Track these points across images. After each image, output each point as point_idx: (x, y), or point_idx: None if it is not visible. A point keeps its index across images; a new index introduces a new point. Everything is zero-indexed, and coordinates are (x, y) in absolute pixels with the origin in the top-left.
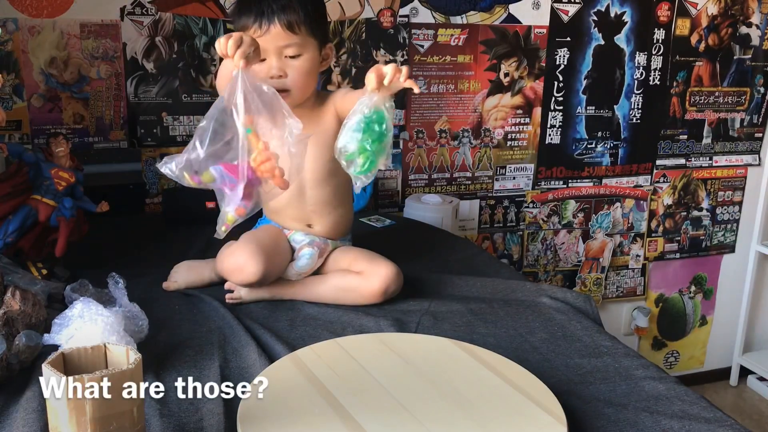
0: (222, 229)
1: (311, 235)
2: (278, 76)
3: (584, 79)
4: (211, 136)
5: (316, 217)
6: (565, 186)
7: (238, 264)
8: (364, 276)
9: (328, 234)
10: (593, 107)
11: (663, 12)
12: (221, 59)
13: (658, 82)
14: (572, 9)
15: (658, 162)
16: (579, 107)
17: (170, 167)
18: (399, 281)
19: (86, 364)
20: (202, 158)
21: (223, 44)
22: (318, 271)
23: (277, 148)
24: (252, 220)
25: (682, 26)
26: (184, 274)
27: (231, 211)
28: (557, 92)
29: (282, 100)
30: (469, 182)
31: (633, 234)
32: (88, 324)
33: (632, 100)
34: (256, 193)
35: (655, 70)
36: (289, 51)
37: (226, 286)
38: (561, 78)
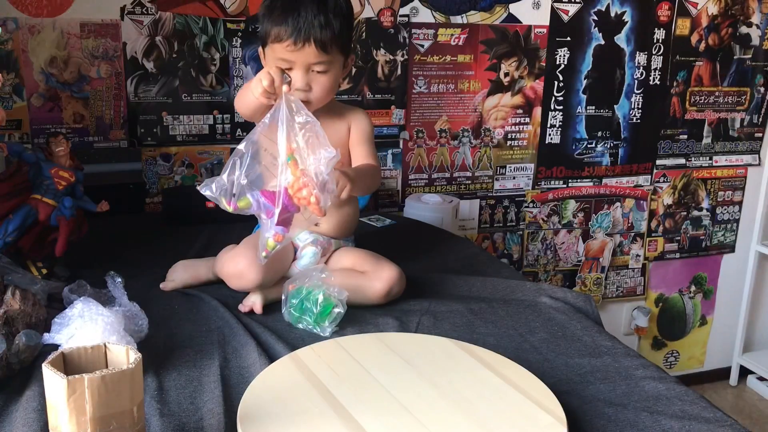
0: (263, 255)
1: (315, 234)
2: (303, 90)
3: (584, 78)
4: (250, 161)
5: (324, 218)
6: (565, 186)
7: (238, 270)
8: (367, 277)
9: (334, 233)
10: (593, 107)
11: (663, 12)
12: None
13: (658, 82)
14: (572, 9)
15: (658, 162)
16: (579, 107)
17: (210, 189)
18: (402, 283)
19: (86, 364)
20: (242, 183)
21: (257, 84)
22: None
23: (314, 174)
24: (254, 221)
25: (682, 26)
26: (181, 274)
27: (270, 237)
28: (557, 92)
29: (321, 129)
30: (469, 182)
31: (633, 234)
32: (88, 323)
33: (632, 99)
34: (295, 221)
35: (655, 69)
36: (318, 67)
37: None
38: (561, 78)
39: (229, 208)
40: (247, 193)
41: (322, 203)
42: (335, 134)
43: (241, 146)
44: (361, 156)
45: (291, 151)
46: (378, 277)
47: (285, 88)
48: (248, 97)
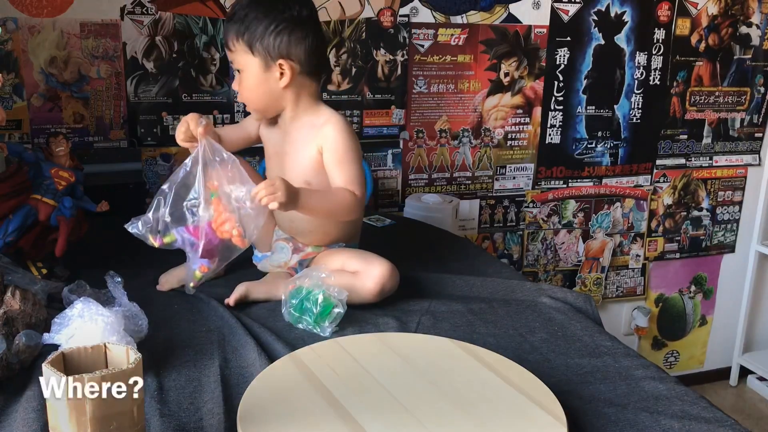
0: (191, 286)
1: (290, 236)
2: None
3: (584, 78)
4: (174, 199)
5: (297, 233)
6: (565, 186)
7: None
8: (358, 276)
9: (309, 243)
10: (593, 107)
11: (663, 12)
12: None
13: (658, 82)
14: (572, 9)
15: (658, 162)
16: (579, 107)
17: (137, 227)
18: (394, 279)
19: (86, 364)
20: (167, 220)
21: (178, 131)
22: None
23: (235, 209)
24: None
25: (682, 26)
26: (174, 273)
27: (196, 269)
28: (557, 92)
29: (239, 165)
30: (469, 182)
31: (633, 234)
32: (88, 323)
33: (632, 99)
34: (219, 252)
35: (655, 69)
36: (234, 66)
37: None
38: (561, 78)
39: (156, 244)
40: (172, 229)
41: (244, 235)
42: (308, 147)
43: (165, 186)
44: (334, 180)
45: (213, 188)
46: (369, 275)
47: (200, 130)
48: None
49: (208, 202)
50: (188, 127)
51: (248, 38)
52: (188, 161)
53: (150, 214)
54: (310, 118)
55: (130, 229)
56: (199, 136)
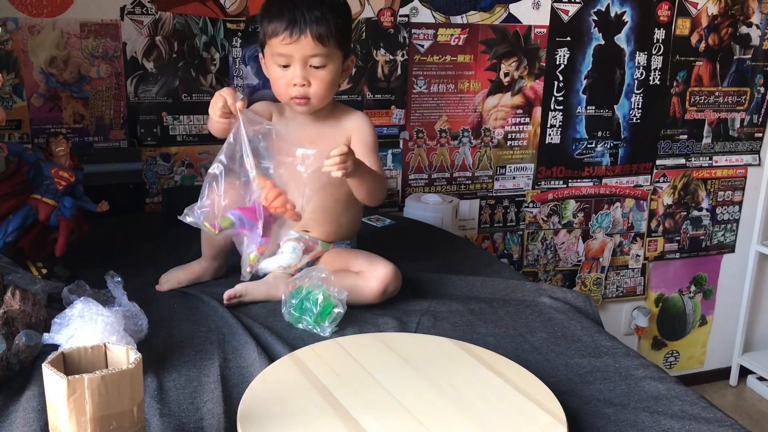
0: (247, 271)
1: (301, 233)
2: (301, 85)
3: (584, 78)
4: (226, 181)
5: (314, 224)
6: (565, 186)
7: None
8: (362, 276)
9: (325, 238)
10: (593, 107)
11: (663, 12)
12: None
13: (658, 82)
14: (572, 9)
15: (658, 162)
16: (579, 107)
17: (193, 216)
18: (398, 281)
19: (86, 364)
20: (223, 204)
21: (214, 107)
22: None
23: (284, 182)
24: None
25: (682, 26)
26: (175, 274)
27: (253, 251)
28: (557, 92)
29: (281, 134)
30: (469, 182)
31: (633, 234)
32: (88, 323)
33: (632, 99)
34: (273, 230)
35: (655, 69)
36: (315, 61)
37: (226, 296)
38: (561, 78)
39: (215, 232)
40: (227, 212)
41: (297, 207)
42: (336, 140)
43: (212, 169)
44: None
45: (255, 165)
46: (373, 276)
47: (239, 104)
48: (212, 122)
49: (255, 179)
50: (225, 102)
51: (338, 35)
52: (229, 138)
53: (205, 200)
54: (332, 111)
55: (185, 220)
56: (238, 110)
